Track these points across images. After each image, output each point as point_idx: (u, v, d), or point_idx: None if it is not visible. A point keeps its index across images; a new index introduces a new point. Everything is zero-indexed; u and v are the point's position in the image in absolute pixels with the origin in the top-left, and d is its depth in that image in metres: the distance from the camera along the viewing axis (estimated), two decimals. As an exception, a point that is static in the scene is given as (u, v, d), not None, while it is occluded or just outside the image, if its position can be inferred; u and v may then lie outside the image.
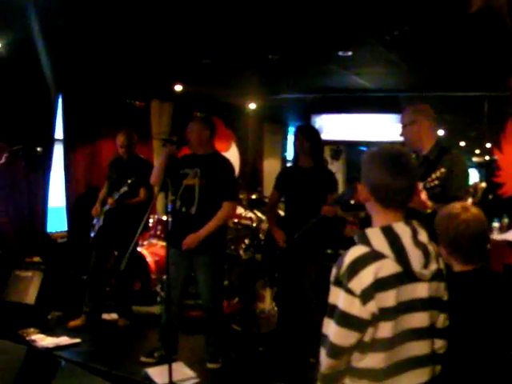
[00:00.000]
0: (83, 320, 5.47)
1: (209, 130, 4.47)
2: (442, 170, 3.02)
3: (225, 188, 4.36)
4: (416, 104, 3.63)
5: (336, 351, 1.83)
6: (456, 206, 2.39)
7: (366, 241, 1.85)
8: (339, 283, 1.83)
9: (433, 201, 2.98)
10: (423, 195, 2.93)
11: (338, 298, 1.82)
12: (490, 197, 7.31)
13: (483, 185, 10.36)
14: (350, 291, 1.79)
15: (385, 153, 1.95)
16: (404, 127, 3.56)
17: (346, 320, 1.79)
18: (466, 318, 2.21)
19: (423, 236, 1.93)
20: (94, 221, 5.67)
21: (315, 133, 4.83)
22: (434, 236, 2.18)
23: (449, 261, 2.33)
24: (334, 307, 1.83)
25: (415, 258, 1.85)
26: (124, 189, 5.27)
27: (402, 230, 1.88)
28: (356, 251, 1.84)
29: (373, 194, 1.93)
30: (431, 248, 1.94)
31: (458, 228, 2.31)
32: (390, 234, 1.85)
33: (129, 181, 5.25)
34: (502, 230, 6.45)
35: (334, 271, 1.87)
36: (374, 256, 1.81)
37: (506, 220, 6.68)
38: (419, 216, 2.33)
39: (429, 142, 3.45)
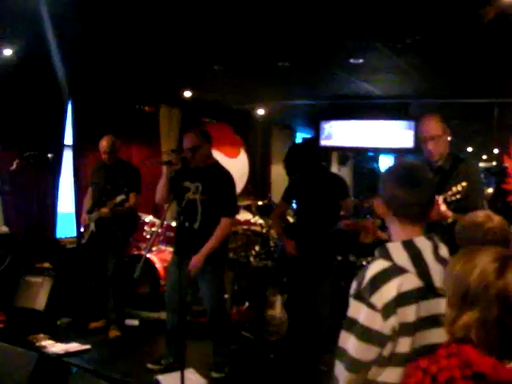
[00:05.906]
0: (104, 322, 5.51)
1: (207, 142, 4.35)
2: (464, 184, 2.96)
3: (223, 204, 4.29)
4: (434, 114, 3.48)
5: (356, 366, 1.81)
6: (479, 215, 2.35)
7: (387, 255, 1.83)
8: (360, 297, 1.81)
9: (452, 211, 2.96)
10: (443, 207, 2.91)
11: (358, 312, 1.80)
12: (499, 204, 7.26)
13: (490, 190, 10.29)
14: (371, 306, 1.77)
15: (399, 168, 1.96)
16: (435, 138, 3.35)
17: (367, 335, 1.77)
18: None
19: (444, 251, 1.91)
20: (82, 229, 5.63)
21: (308, 157, 4.64)
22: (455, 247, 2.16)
23: None
24: (354, 321, 1.81)
25: (436, 273, 1.82)
26: (121, 197, 5.13)
27: (424, 244, 1.86)
28: (377, 266, 1.82)
29: (388, 210, 1.93)
30: None
31: (485, 237, 2.28)
32: (411, 248, 1.83)
33: (125, 189, 5.16)
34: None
35: (354, 285, 1.86)
36: (396, 271, 1.79)
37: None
38: (441, 227, 2.30)
39: (445, 152, 3.41)
